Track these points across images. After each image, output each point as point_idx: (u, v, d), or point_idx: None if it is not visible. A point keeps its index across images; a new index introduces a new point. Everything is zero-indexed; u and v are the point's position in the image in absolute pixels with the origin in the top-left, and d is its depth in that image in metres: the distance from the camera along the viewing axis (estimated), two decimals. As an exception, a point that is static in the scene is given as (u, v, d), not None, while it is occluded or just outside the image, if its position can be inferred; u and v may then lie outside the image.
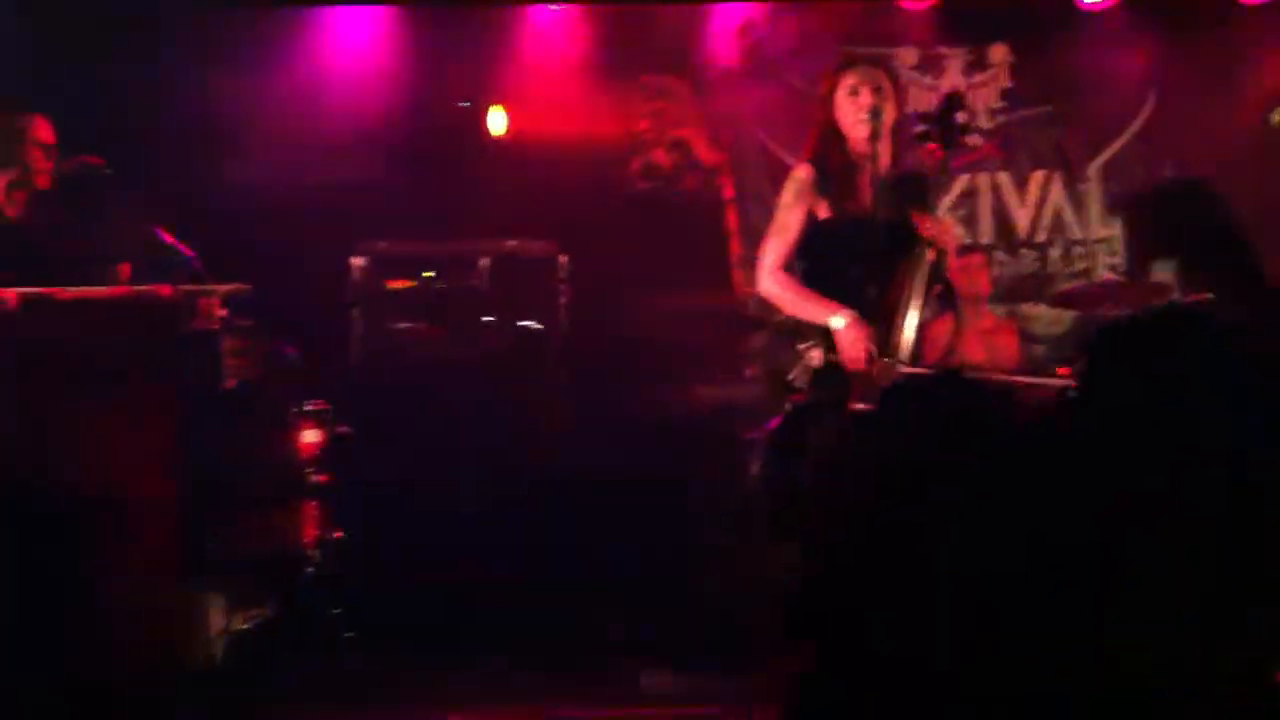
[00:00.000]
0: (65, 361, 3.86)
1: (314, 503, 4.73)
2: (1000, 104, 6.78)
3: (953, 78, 6.73)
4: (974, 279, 5.98)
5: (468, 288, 5.63)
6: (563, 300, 5.67)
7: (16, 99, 4.80)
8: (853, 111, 4.03)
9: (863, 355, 3.86)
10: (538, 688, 4.66)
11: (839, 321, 3.91)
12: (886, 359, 3.85)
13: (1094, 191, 6.79)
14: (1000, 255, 6.73)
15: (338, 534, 4.83)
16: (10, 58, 5.37)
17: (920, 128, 4.05)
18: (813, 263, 4.09)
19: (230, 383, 4.17)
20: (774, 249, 4.11)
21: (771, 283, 4.09)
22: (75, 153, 4.58)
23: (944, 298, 4.13)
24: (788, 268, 4.08)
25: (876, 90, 4.04)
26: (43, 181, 4.62)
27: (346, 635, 4.68)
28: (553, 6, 6.54)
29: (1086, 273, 6.74)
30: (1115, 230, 6.77)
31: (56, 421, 3.83)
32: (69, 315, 3.90)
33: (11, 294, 3.87)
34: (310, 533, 4.67)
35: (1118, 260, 6.74)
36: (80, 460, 3.83)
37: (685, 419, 5.74)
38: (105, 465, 3.81)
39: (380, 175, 6.17)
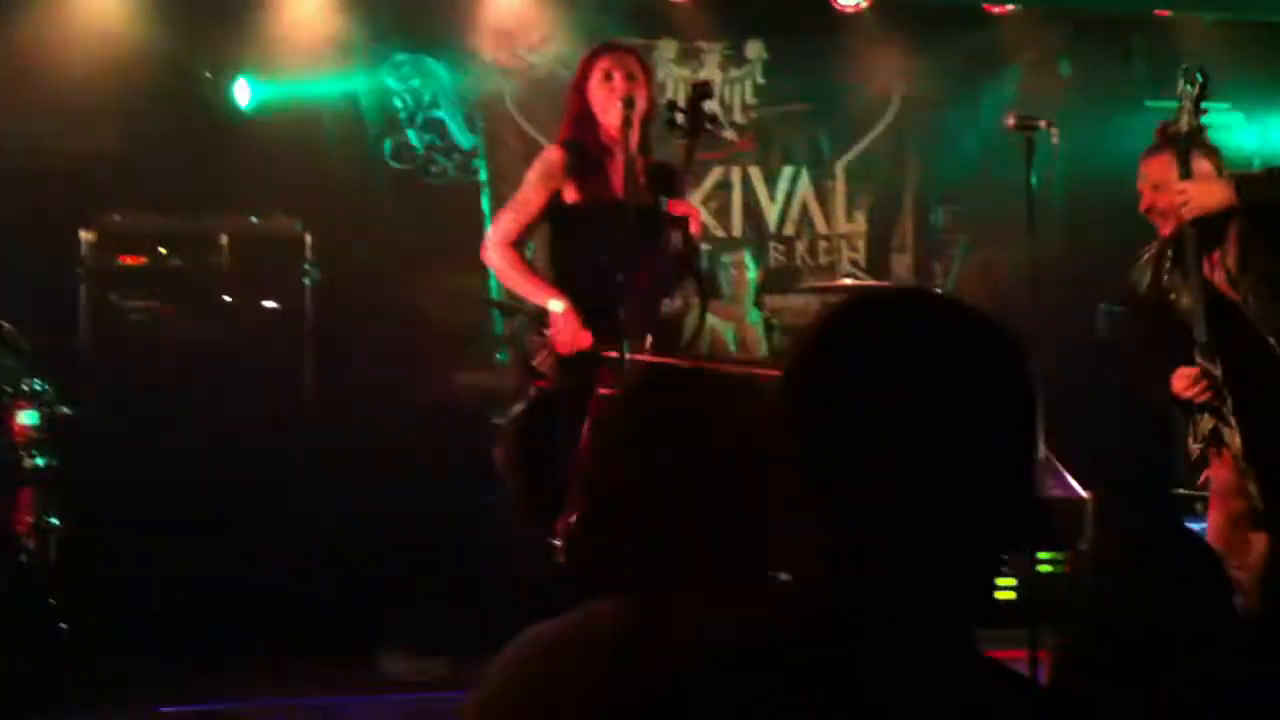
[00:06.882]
0: None
1: (30, 487, 4.44)
2: (754, 99, 6.88)
3: (710, 71, 6.79)
4: (734, 276, 6.10)
5: (206, 265, 5.41)
6: (307, 280, 5.50)
7: None
8: (605, 97, 4.01)
9: (576, 342, 3.84)
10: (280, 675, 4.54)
11: (557, 306, 3.90)
12: (630, 346, 3.84)
13: (840, 188, 6.97)
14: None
15: (56, 520, 4.54)
16: None
17: (669, 116, 4.06)
18: (561, 246, 4.06)
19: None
20: (506, 222, 4.08)
21: (498, 256, 4.06)
22: None
23: (693, 285, 4.16)
24: (518, 244, 4.05)
25: (629, 77, 4.03)
26: None
27: (61, 626, 4.41)
28: None
29: (831, 267, 6.91)
30: (859, 226, 6.98)
31: None
32: None
33: None
34: (24, 519, 4.39)
35: (859, 256, 6.95)
36: None
37: (433, 403, 5.65)
38: None
39: (116, 145, 5.84)
